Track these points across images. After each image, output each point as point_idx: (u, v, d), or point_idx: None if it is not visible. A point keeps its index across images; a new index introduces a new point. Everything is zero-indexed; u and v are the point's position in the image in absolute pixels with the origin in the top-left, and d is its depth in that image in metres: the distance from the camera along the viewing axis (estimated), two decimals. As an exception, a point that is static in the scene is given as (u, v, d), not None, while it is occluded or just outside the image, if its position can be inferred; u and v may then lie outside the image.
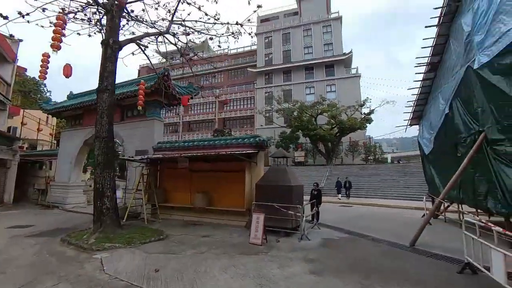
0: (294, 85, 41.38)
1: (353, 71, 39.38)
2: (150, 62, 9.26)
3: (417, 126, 12.66)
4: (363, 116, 30.21)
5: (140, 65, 60.61)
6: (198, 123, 49.77)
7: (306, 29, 43.13)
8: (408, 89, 10.58)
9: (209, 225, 9.33)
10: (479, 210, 7.88)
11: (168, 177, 11.38)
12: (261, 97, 42.76)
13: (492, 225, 3.94)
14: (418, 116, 11.78)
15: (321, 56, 40.54)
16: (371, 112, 29.68)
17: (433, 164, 10.37)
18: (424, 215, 11.01)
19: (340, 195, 18.93)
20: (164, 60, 62.16)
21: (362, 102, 30.67)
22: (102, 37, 8.61)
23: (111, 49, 8.38)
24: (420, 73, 9.99)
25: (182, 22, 9.67)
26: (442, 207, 10.77)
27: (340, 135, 30.38)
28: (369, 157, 31.71)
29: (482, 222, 4.27)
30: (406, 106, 11.43)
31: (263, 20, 48.10)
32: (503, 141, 6.10)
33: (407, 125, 12.28)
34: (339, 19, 41.62)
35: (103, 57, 8.43)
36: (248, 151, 8.54)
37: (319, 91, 37.60)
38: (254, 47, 47.44)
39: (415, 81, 10.27)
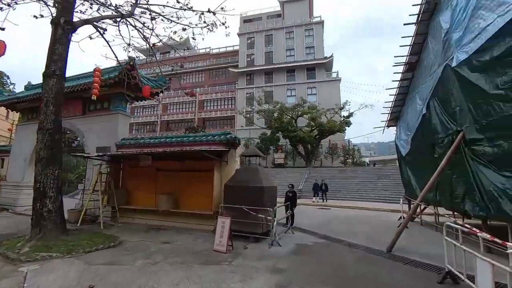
0: (276, 86, 41.17)
1: (334, 75, 39.87)
2: (111, 48, 8.28)
3: (395, 128, 12.60)
4: (342, 119, 30.44)
5: (119, 61, 57.73)
6: (176, 122, 48.15)
7: (288, 32, 43.20)
8: (386, 89, 10.40)
9: (173, 230, 8.44)
10: (455, 213, 7.65)
11: (132, 176, 10.34)
12: (242, 98, 42.12)
13: (478, 231, 3.49)
14: (395, 117, 11.65)
15: (303, 59, 40.72)
16: (350, 115, 30.00)
17: (410, 165, 10.19)
18: (401, 217, 10.80)
19: (316, 198, 18.30)
20: (143, 56, 60.12)
21: (341, 105, 30.92)
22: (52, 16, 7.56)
23: (62, 29, 7.34)
24: (398, 72, 9.80)
25: (149, 6, 8.79)
26: (418, 210, 10.62)
27: (319, 138, 30.39)
28: (347, 160, 31.97)
29: (466, 227, 3.83)
30: (384, 107, 11.26)
31: (246, 20, 47.69)
32: (481, 140, 5.84)
33: (384, 127, 12.12)
34: (321, 23, 42.09)
35: (52, 38, 7.36)
36: (217, 149, 7.79)
37: (300, 94, 37.61)
38: (236, 47, 46.89)
39: (393, 81, 10.08)
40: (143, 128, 50.61)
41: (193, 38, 10.56)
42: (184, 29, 10.18)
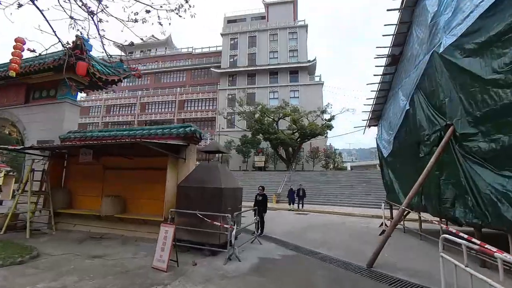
0: (258, 88, 40.32)
1: (317, 79, 39.61)
2: (47, 21, 6.83)
3: (376, 130, 11.88)
4: (324, 123, 29.92)
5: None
6: (155, 123, 45.94)
7: (272, 34, 42.67)
8: (367, 84, 9.60)
9: (118, 240, 7.01)
10: (443, 220, 6.78)
11: (77, 176, 8.78)
12: (224, 99, 40.86)
13: (496, 250, 2.48)
14: (377, 116, 10.89)
15: (286, 61, 40.24)
16: (332, 118, 29.54)
17: (392, 167, 9.38)
18: (382, 224, 9.93)
19: (291, 205, 16.34)
20: (122, 53, 57.44)
21: (323, 108, 30.46)
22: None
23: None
24: (380, 66, 9.01)
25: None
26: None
27: (301, 141, 29.66)
28: (329, 164, 31.42)
29: (475, 243, 2.82)
30: (365, 104, 10.45)
31: (230, 21, 46.77)
32: (475, 135, 4.98)
33: (365, 126, 11.33)
34: (305, 27, 41.95)
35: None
36: (172, 143, 6.51)
37: (282, 96, 36.92)
38: (219, 48, 45.74)
39: (375, 75, 9.27)
40: (120, 127, 47.92)
41: (159, 23, 9.26)
42: (148, 11, 8.85)
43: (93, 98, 49.15)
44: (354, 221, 11.78)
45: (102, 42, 7.25)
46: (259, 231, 8.00)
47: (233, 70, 41.83)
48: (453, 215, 5.54)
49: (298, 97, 38.04)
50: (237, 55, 43.15)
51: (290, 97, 37.60)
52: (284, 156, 30.64)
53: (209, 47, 49.37)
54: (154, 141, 6.07)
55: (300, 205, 16.29)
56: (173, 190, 6.75)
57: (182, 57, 49.88)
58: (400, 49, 8.53)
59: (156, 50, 54.41)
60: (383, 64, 8.98)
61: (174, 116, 43.32)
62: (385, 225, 8.68)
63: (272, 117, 30.04)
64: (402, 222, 8.86)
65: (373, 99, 10.15)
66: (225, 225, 5.31)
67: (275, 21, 42.92)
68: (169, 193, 6.64)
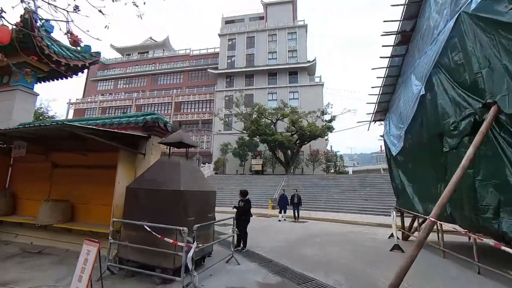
0: (256, 90, 39.04)
1: (317, 79, 38.27)
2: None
3: (378, 129, 10.38)
4: (324, 124, 28.40)
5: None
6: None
7: (271, 34, 41.56)
8: (372, 69, 8.13)
9: (59, 256, 5.51)
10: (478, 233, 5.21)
11: (24, 175, 7.31)
12: (221, 101, 39.53)
13: None
14: (383, 108, 9.39)
15: (285, 62, 39.00)
16: (332, 119, 27.99)
17: (404, 168, 7.84)
18: (391, 235, 8.35)
19: (281, 215, 13.15)
20: (120, 55, 56.58)
21: (323, 109, 28.99)
22: None
23: None
24: (388, 46, 7.55)
25: None
26: (414, 225, 8.23)
27: (300, 143, 28.14)
28: (330, 168, 29.80)
29: None
30: (370, 94, 8.95)
31: (228, 21, 45.78)
32: (532, 115, 3.48)
33: (370, 121, 9.82)
34: (304, 27, 40.84)
35: None
36: (124, 133, 5.02)
37: (281, 98, 35.55)
38: (217, 50, 44.66)
39: (381, 57, 7.80)
40: (113, 131, 46.67)
41: (135, 4, 7.90)
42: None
43: (88, 100, 48.26)
44: (357, 231, 10.17)
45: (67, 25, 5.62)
46: (242, 245, 6.46)
47: (231, 71, 40.62)
48: (498, 228, 4.00)
49: (298, 98, 36.67)
50: (235, 56, 41.99)
51: (289, 99, 36.24)
52: (282, 159, 29.11)
53: (207, 49, 48.40)
54: (93, 127, 4.58)
55: (296, 216, 13.13)
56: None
57: (179, 59, 48.92)
58: (413, 23, 7.08)
59: (154, 52, 53.52)
60: (392, 44, 7.52)
61: (170, 118, 42.00)
62: (397, 238, 7.11)
63: (270, 119, 28.62)
64: (418, 232, 7.28)
65: (379, 88, 8.67)
66: (179, 243, 3.79)
67: (274, 21, 41.88)
68: (120, 197, 5.13)
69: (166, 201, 4.34)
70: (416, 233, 7.80)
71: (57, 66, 8.34)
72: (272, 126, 28.17)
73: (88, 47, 9.30)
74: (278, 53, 40.26)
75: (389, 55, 7.77)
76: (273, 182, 23.13)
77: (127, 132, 5.06)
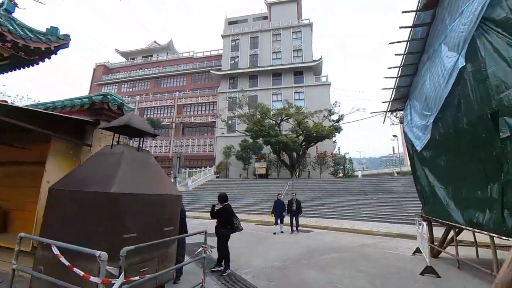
0: (260, 90, 37.74)
1: (323, 79, 36.68)
2: None
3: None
4: (331, 124, 26.69)
5: (96, 64, 54.52)
6: (155, 128, 43.83)
7: (275, 34, 40.40)
8: (389, 44, 6.58)
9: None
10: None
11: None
12: (224, 103, 38.34)
13: None
14: (403, 95, 7.78)
15: (290, 62, 37.63)
16: (340, 118, 26.25)
17: (433, 165, 6.19)
18: (417, 250, 6.69)
19: (279, 225, 10.61)
20: (125, 59, 56.51)
21: (331, 107, 27.32)
22: None
23: None
24: (409, 11, 6.00)
25: None
26: (447, 237, 6.53)
27: (306, 145, 26.49)
28: (338, 171, 27.95)
29: None
30: (385, 77, 7.36)
31: (231, 22, 44.93)
32: None
33: (387, 111, 8.22)
34: (309, 25, 39.49)
35: None
36: (47, 112, 3.64)
37: (286, 98, 34.12)
38: (221, 52, 43.75)
39: (401, 27, 6.25)
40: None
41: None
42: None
43: (91, 104, 47.82)
44: (373, 243, 8.48)
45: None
46: (224, 266, 4.96)
47: (234, 71, 39.49)
48: None
49: (303, 98, 35.14)
50: (238, 56, 40.92)
51: (295, 99, 34.78)
52: (288, 162, 27.49)
53: (211, 51, 47.71)
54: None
55: (294, 225, 10.59)
56: (58, 198, 3.82)
57: (182, 61, 48.33)
58: (443, -20, 5.53)
59: (158, 55, 53.24)
60: (414, 9, 5.97)
61: (172, 121, 41.10)
62: (426, 255, 5.45)
63: (274, 119, 27.16)
64: (453, 247, 5.60)
65: (397, 69, 7.09)
66: (92, 278, 2.33)
67: (278, 20, 40.77)
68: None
69: (92, 209, 2.90)
70: (450, 248, 6.11)
71: (14, 49, 7.14)
72: (276, 127, 26.67)
73: (55, 29, 8.06)
74: (283, 53, 39.00)
75: (410, 24, 6.21)
76: (277, 186, 21.52)
77: (57, 114, 3.67)
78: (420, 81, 6.88)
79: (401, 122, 25.59)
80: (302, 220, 13.27)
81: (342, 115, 26.17)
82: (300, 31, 39.48)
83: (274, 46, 39.91)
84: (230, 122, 34.96)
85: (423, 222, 5.75)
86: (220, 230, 4.83)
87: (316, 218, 15.03)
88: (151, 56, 54.61)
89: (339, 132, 26.76)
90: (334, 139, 32.00)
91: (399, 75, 7.24)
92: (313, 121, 25.85)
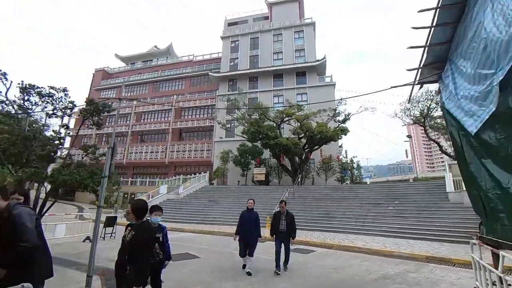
0: (261, 92, 35.70)
1: (327, 79, 34.45)
2: None
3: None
4: (337, 126, 24.24)
5: (95, 69, 53.76)
6: (151, 134, 42.40)
7: (276, 34, 38.66)
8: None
9: None
10: None
11: None
12: (223, 105, 36.31)
13: None
14: (438, 58, 5.39)
15: (292, 62, 35.62)
16: (347, 118, 23.77)
17: (502, 155, 3.75)
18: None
19: (248, 260, 5.87)
20: (124, 64, 55.56)
21: (336, 106, 24.90)
22: None
23: None
24: None
25: None
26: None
27: (309, 148, 24.02)
28: (345, 177, 25.26)
29: None
30: (413, 28, 5.01)
31: (231, 23, 43.46)
32: None
33: (414, 83, 5.80)
34: (312, 24, 37.64)
35: None
36: None
37: (288, 99, 31.89)
38: (221, 54, 42.15)
39: None
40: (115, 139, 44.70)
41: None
42: None
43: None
44: (397, 275, 5.92)
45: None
46: None
47: (233, 73, 37.63)
48: None
49: (306, 100, 32.82)
50: (237, 58, 39.19)
51: (297, 101, 32.51)
52: (289, 167, 25.00)
53: (211, 54, 46.28)
54: None
55: (282, 259, 6.07)
56: None
57: (181, 65, 47.01)
58: None
59: (158, 59, 52.15)
60: None
61: (169, 126, 39.27)
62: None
63: (274, 120, 24.87)
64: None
65: (433, 17, 4.74)
66: None
67: (279, 20, 39.11)
68: None
69: None
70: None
71: None
72: (276, 130, 24.30)
73: None
74: (284, 53, 37.08)
75: None
76: (275, 194, 19.02)
77: None
78: (470, 27, 4.48)
79: (416, 122, 22.98)
80: (302, 234, 10.76)
81: (349, 114, 23.67)
82: (303, 30, 37.64)
83: (275, 47, 38.09)
84: (228, 126, 32.85)
85: (475, 242, 3.32)
86: (132, 264, 2.47)
87: (319, 231, 12.47)
88: (151, 60, 53.61)
89: (345, 134, 24.23)
90: (340, 142, 29.47)
91: (435, 23, 4.86)
92: (316, 122, 23.45)
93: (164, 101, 42.16)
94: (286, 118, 24.18)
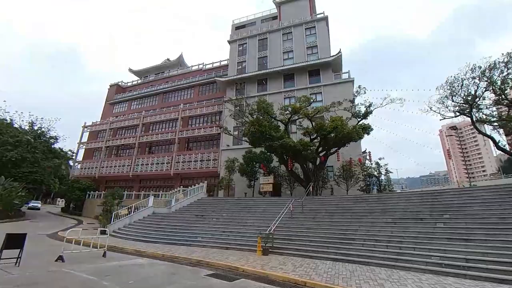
0: (271, 95, 32.35)
1: (344, 76, 30.39)
2: None
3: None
4: (358, 123, 19.96)
5: (110, 84, 54.39)
6: (159, 145, 40.58)
7: (286, 33, 35.75)
8: None
9: None
10: None
11: None
12: (231, 110, 33.43)
13: None
14: None
15: (304, 60, 32.20)
16: (369, 111, 19.40)
17: None
18: None
19: None
20: (138, 78, 55.82)
21: (353, 96, 20.72)
22: None
23: None
24: None
25: None
26: None
27: (324, 151, 19.90)
28: (371, 186, 20.58)
29: None
30: None
31: (238, 27, 41.41)
32: None
33: None
34: (324, 19, 34.28)
35: None
36: None
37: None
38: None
39: None
40: (123, 151, 43.79)
41: None
42: None
43: (98, 122, 46.78)
44: None
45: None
46: None
47: (240, 76, 34.94)
48: None
49: (322, 100, 28.94)
50: (245, 61, 36.59)
51: (311, 101, 28.76)
52: (302, 175, 20.97)
53: (220, 61, 44.49)
54: None
55: None
56: None
57: (191, 75, 45.67)
58: None
59: (169, 71, 51.55)
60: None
61: (175, 135, 37.06)
62: None
63: (280, 120, 21.26)
64: None
65: None
66: None
67: (289, 19, 36.33)
68: None
69: None
70: None
71: None
72: (284, 131, 20.62)
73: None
74: (295, 52, 33.82)
75: None
76: (276, 207, 15.07)
77: None
78: None
79: (461, 113, 18.16)
80: (302, 267, 6.83)
81: (371, 104, 19.26)
82: (314, 26, 34.34)
83: (285, 46, 35.03)
84: (235, 132, 29.74)
85: None
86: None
87: (330, 261, 8.39)
88: (163, 72, 53.18)
89: (368, 133, 19.83)
90: (364, 147, 24.96)
91: None
92: (329, 117, 19.42)
93: (172, 110, 40.41)
94: (294, 117, 20.41)
